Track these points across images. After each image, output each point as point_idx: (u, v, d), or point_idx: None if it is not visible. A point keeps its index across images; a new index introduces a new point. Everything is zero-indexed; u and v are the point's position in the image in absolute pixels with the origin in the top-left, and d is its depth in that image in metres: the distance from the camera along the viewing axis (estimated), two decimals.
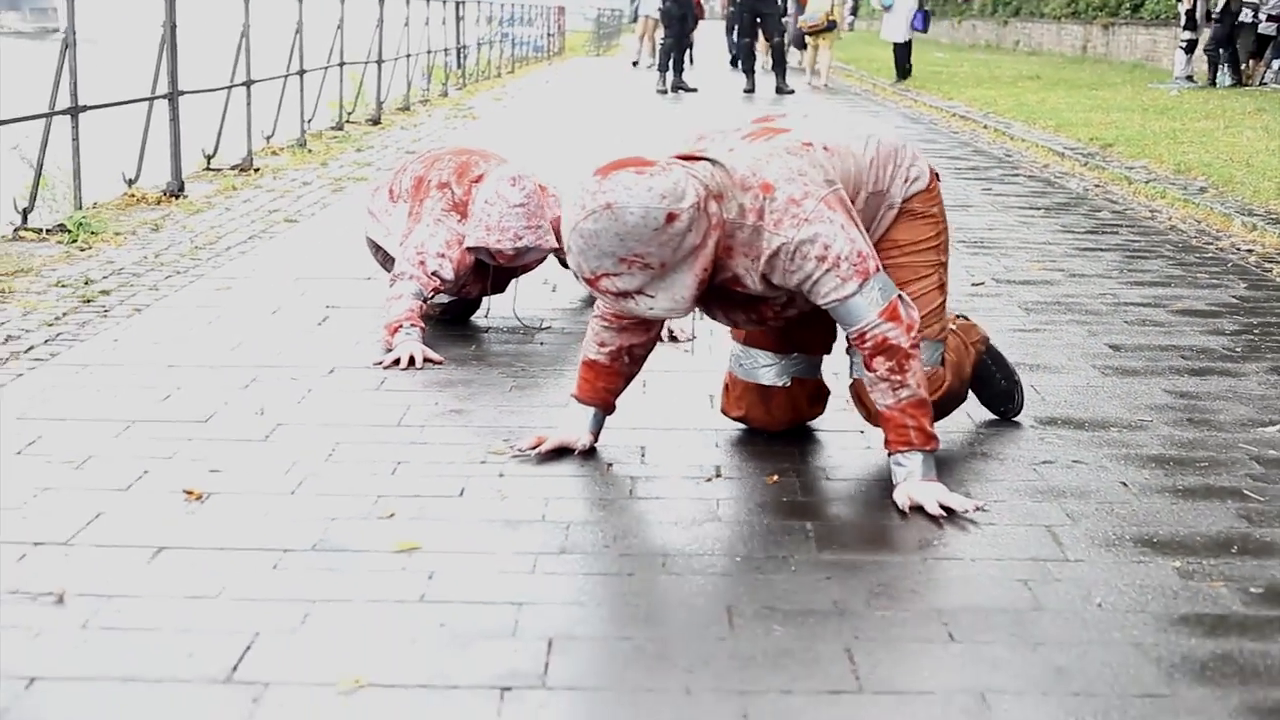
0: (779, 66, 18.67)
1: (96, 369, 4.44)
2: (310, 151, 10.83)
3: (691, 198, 3.12)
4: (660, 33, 23.62)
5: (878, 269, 3.30)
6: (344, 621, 2.64)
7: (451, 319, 5.20)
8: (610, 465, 3.59)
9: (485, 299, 5.24)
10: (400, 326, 4.68)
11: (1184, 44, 20.22)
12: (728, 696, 2.38)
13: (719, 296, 3.45)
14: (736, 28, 20.28)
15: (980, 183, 9.70)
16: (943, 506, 3.24)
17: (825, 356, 3.87)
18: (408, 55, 15.95)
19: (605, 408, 3.70)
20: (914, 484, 3.29)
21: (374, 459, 3.61)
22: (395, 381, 4.37)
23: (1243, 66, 20.43)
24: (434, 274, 4.89)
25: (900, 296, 3.34)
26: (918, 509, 3.25)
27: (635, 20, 27.97)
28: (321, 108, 12.25)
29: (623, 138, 11.88)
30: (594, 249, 3.13)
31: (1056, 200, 8.90)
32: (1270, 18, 20.00)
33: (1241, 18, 19.84)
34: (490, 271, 5.11)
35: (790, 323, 3.61)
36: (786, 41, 20.83)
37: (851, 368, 3.63)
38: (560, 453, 3.63)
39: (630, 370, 3.70)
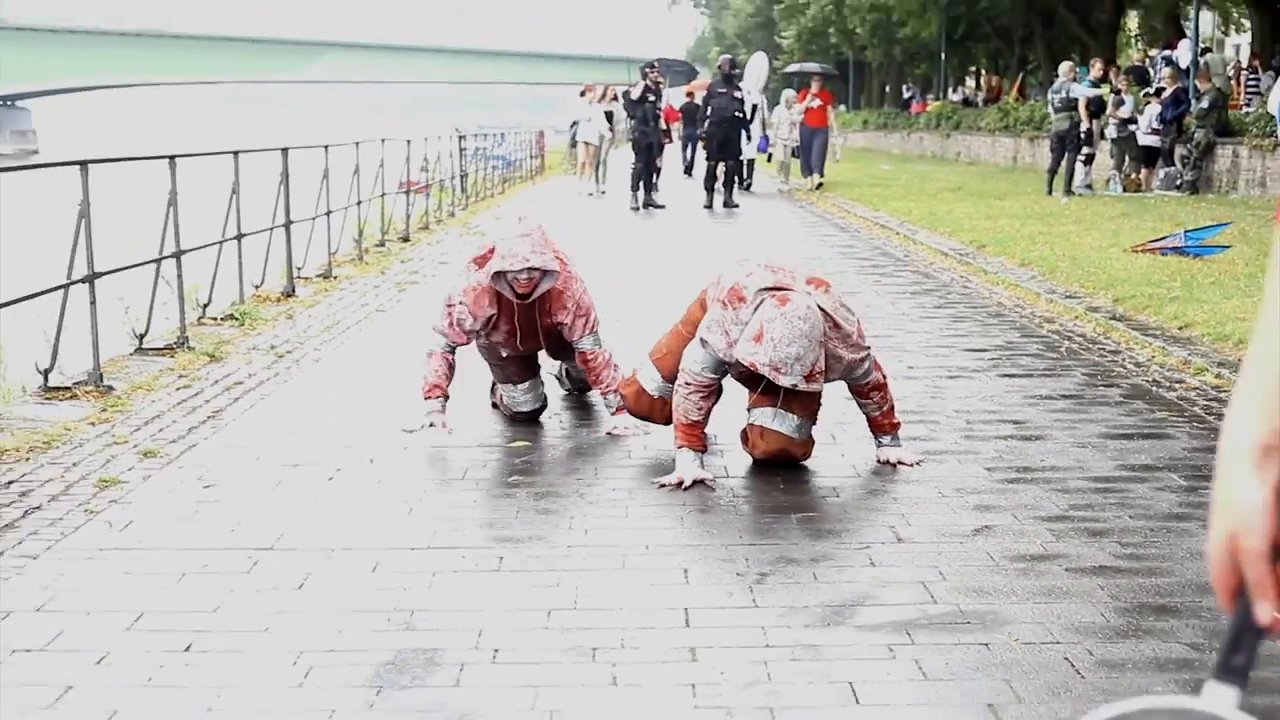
0: (730, 185, 22.05)
1: (313, 391, 7.69)
2: (367, 264, 14.14)
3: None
4: (585, 151, 26.88)
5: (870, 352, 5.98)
6: (502, 483, 5.89)
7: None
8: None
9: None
10: (427, 396, 6.43)
11: (1084, 158, 23.58)
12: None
13: None
14: (702, 150, 23.29)
15: (873, 276, 13.03)
16: (900, 461, 6.02)
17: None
18: (426, 184, 19.40)
19: (704, 450, 5.92)
20: (889, 449, 6.09)
21: (484, 429, 6.86)
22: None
23: (1133, 176, 23.91)
24: (458, 321, 6.35)
25: (877, 364, 6.00)
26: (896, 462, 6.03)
27: (573, 146, 28.47)
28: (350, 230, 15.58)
29: (615, 247, 15.23)
30: (810, 348, 5.56)
31: (925, 288, 12.21)
32: (1153, 130, 23.53)
33: (1111, 134, 23.37)
34: (513, 314, 6.44)
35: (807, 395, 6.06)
36: (787, 155, 26.25)
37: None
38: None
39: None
